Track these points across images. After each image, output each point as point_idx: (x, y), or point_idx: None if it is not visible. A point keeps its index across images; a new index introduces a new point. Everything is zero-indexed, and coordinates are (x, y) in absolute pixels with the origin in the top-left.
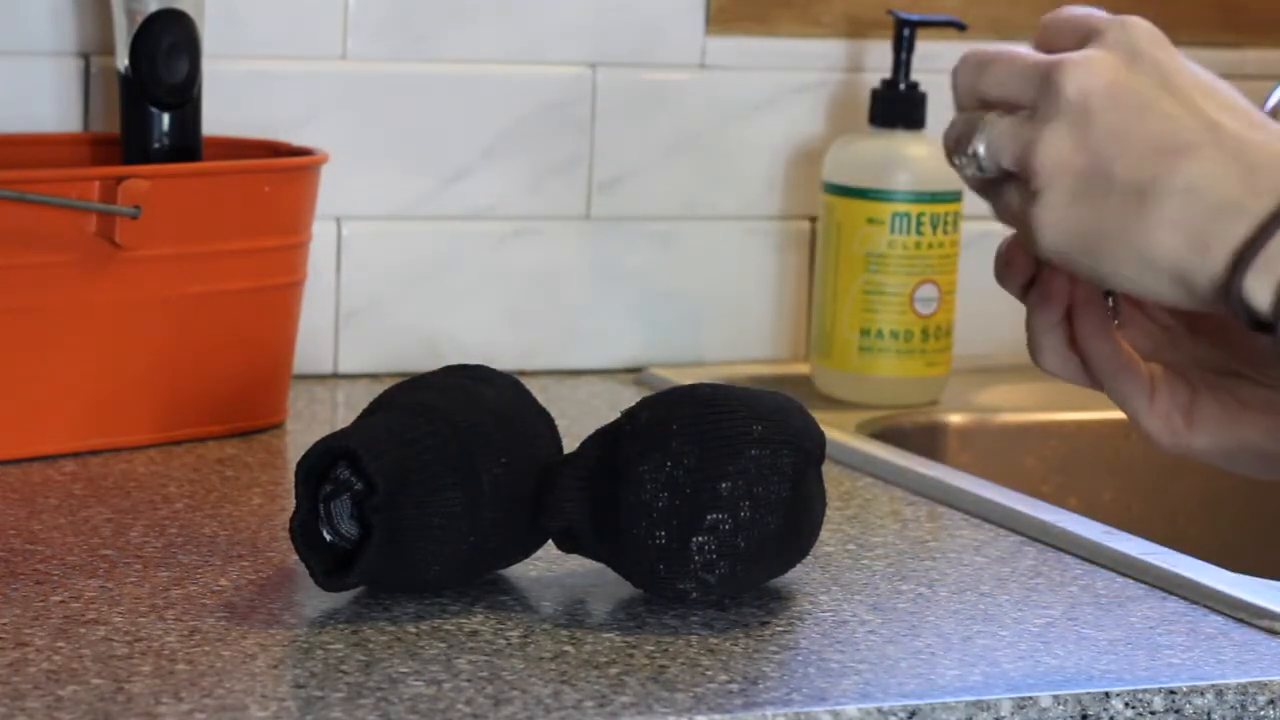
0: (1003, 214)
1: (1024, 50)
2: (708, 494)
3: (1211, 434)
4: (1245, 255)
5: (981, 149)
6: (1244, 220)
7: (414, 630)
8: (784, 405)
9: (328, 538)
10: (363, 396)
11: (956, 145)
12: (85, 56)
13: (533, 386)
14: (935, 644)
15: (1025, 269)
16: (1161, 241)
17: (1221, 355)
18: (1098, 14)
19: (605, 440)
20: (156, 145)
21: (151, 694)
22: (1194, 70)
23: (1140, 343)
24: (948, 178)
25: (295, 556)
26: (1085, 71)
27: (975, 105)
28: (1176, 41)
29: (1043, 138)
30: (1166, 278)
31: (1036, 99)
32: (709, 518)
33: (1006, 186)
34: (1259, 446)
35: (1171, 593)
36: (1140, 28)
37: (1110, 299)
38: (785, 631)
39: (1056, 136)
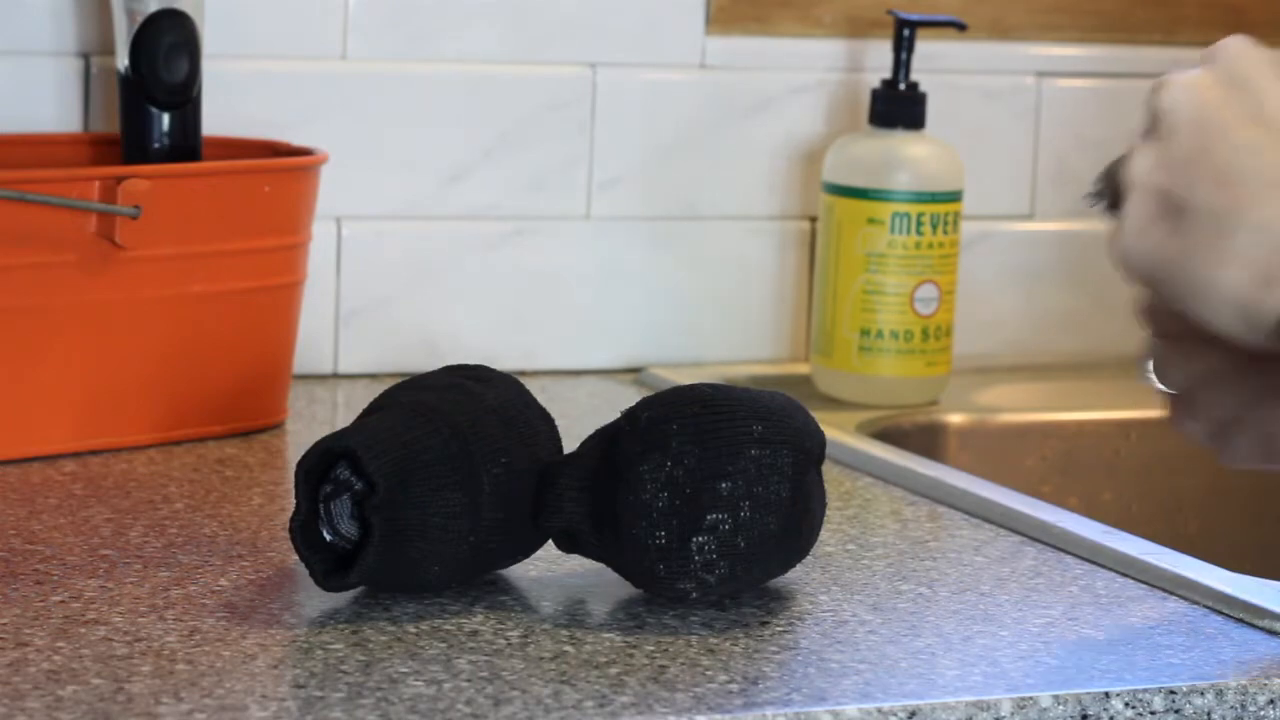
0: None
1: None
2: (708, 494)
3: None
4: None
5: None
6: None
7: (414, 630)
8: (784, 405)
9: (328, 538)
10: (363, 396)
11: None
12: (85, 56)
13: (533, 386)
14: (935, 644)
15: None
16: (1229, 274)
17: None
18: (1232, 40)
19: (605, 440)
20: (156, 145)
21: (151, 694)
22: None
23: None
24: (948, 177)
25: (295, 556)
26: (1178, 91)
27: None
28: (1176, 42)
29: (1135, 152)
30: (1230, 310)
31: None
32: (709, 518)
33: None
34: None
35: (1171, 593)
36: (1250, 54)
37: None
38: (785, 631)
39: (1143, 153)
